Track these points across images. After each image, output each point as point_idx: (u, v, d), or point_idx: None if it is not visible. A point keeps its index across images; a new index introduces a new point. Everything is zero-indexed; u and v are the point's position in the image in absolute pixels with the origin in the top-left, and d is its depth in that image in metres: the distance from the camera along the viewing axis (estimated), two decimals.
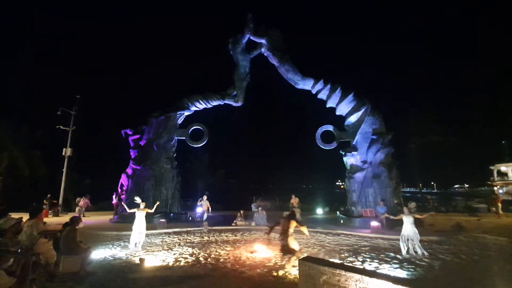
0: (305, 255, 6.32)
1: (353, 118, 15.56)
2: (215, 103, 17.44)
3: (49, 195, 19.77)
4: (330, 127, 16.75)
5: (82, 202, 17.78)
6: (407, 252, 7.59)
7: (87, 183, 33.93)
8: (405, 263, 6.84)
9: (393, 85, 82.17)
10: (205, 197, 13.57)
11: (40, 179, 27.26)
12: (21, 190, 25.65)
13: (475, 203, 24.29)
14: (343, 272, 3.76)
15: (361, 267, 6.46)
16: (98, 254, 7.56)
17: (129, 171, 16.02)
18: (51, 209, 18.74)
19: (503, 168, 36.90)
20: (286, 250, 6.26)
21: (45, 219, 15.45)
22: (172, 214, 15.20)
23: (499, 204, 17.76)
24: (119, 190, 16.16)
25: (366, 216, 13.50)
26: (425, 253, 7.47)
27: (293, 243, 6.35)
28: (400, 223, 8.11)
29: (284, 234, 6.34)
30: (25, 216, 5.71)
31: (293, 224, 6.46)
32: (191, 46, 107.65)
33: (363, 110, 15.15)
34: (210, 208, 13.29)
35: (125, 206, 9.12)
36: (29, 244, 5.18)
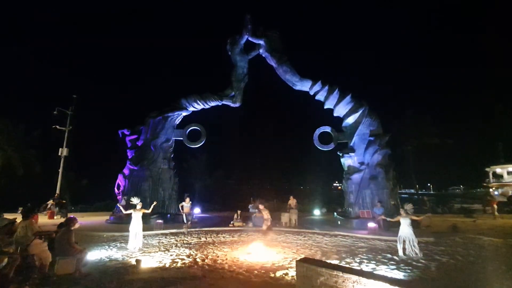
0: (303, 256, 6.31)
1: (350, 120, 15.61)
2: (213, 103, 17.41)
3: (56, 194, 18.94)
4: (327, 128, 16.79)
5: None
6: (404, 253, 7.61)
7: (84, 183, 33.64)
8: (402, 264, 6.85)
9: (392, 86, 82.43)
10: (187, 199, 13.49)
11: (35, 179, 27.00)
12: (16, 190, 25.37)
13: (470, 204, 24.52)
14: (340, 274, 3.75)
15: (359, 268, 6.46)
16: (94, 255, 7.48)
17: (126, 171, 15.93)
18: (60, 209, 17.40)
19: (498, 170, 37.29)
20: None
21: (52, 221, 15.05)
22: (169, 215, 15.13)
23: (495, 206, 17.94)
24: (116, 190, 16.05)
25: (363, 217, 13.53)
26: (420, 254, 7.49)
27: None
28: (397, 224, 8.14)
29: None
30: (19, 218, 5.64)
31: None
32: (190, 46, 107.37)
33: (360, 111, 15.20)
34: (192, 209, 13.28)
35: (121, 208, 9.01)
36: (23, 246, 5.11)
